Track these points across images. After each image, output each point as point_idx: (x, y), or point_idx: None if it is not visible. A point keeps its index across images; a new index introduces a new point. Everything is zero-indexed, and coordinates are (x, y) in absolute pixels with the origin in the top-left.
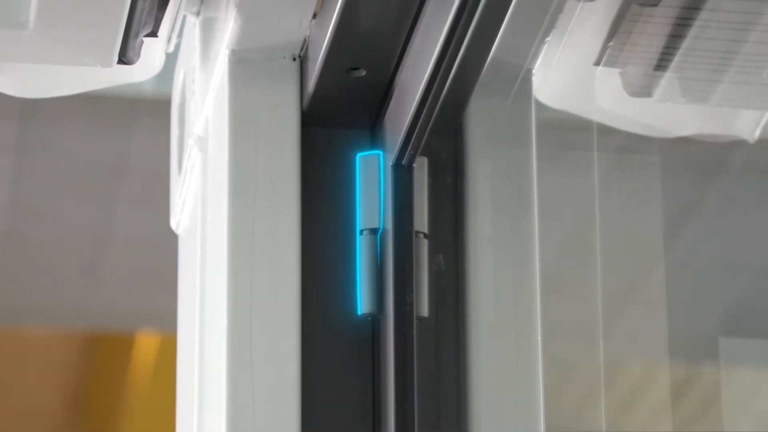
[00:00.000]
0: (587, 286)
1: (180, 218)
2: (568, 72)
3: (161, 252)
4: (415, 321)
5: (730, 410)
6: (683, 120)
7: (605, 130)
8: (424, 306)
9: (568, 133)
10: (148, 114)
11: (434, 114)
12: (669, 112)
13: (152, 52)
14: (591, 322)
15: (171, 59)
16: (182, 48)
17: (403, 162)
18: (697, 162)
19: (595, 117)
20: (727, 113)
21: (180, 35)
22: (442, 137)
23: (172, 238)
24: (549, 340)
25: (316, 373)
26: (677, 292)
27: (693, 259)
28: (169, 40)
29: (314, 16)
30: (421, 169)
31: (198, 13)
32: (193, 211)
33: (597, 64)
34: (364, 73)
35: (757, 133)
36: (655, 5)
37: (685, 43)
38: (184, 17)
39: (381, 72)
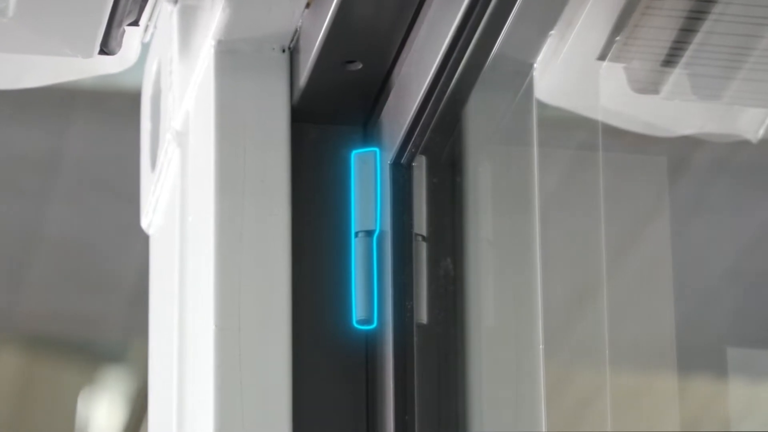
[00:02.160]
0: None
1: (152, 217)
2: (569, 67)
3: (96, 252)
4: (414, 328)
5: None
6: (685, 118)
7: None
8: (423, 312)
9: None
10: (85, 106)
11: (438, 111)
12: (671, 111)
13: (128, 42)
14: (596, 329)
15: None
16: (155, 37)
17: (402, 161)
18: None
19: (597, 115)
20: (730, 112)
21: (155, 24)
22: (443, 135)
23: (111, 238)
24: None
25: (307, 383)
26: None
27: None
28: (146, 29)
29: (307, 5)
30: (420, 168)
31: (176, 1)
32: (168, 210)
33: (601, 59)
34: (360, 66)
35: (761, 133)
36: None
37: (697, 38)
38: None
39: (378, 65)
